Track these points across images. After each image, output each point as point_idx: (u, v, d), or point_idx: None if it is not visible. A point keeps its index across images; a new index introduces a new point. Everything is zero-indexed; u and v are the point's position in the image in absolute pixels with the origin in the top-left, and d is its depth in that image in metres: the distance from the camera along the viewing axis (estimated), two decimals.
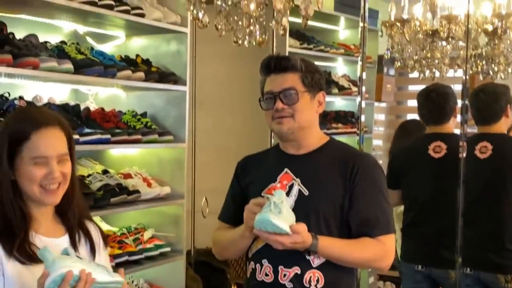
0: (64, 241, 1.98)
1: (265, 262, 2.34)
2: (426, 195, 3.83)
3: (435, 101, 3.88)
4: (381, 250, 2.31)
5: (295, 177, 2.35)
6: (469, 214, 3.64)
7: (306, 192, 2.32)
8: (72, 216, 2.02)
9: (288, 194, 2.31)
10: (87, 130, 3.33)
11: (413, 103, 7.74)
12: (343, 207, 2.31)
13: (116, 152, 4.00)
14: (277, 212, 2.11)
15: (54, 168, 1.89)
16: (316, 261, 2.28)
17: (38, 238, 1.91)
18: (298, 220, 2.18)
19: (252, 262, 2.40)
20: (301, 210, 2.25)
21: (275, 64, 2.36)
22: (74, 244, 2.00)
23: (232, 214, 2.50)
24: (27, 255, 1.85)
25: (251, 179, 2.47)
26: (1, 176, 1.87)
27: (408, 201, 3.96)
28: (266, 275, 2.33)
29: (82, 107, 3.59)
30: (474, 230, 3.67)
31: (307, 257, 2.27)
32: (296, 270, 2.28)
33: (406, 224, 3.97)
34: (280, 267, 2.30)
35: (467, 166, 3.62)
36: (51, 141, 1.90)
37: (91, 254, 2.05)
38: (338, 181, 2.32)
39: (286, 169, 2.38)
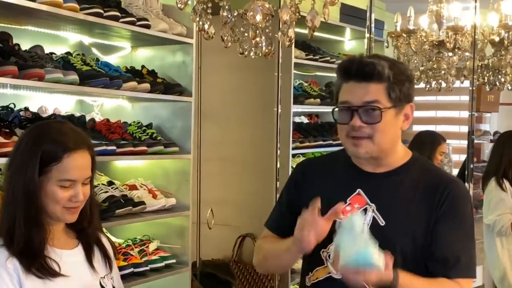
0: (78, 252, 1.99)
1: None
2: None
3: None
4: None
5: (369, 202, 2.00)
6: None
7: (382, 222, 1.98)
8: (92, 232, 2.04)
9: None
10: (92, 142, 3.30)
11: (418, 114, 7.74)
12: (425, 243, 1.98)
13: (122, 163, 3.99)
14: (366, 243, 1.78)
15: (79, 191, 1.91)
16: None
17: (52, 250, 1.90)
18: None
19: None
20: None
21: (357, 70, 1.96)
22: (89, 257, 2.00)
23: (285, 223, 2.12)
24: (45, 270, 1.85)
25: (313, 192, 2.05)
26: (32, 194, 1.86)
27: None
28: None
29: (87, 118, 3.58)
30: None
31: None
32: None
33: None
34: None
35: None
36: (80, 165, 1.91)
37: (107, 267, 2.06)
38: (422, 210, 1.99)
39: (359, 190, 2.02)
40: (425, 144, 4.71)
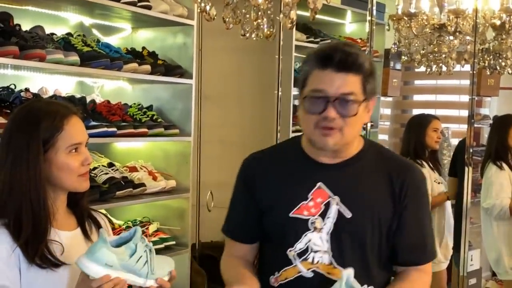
0: (77, 233, 1.97)
1: None
2: None
3: None
4: (427, 282, 2.03)
5: (332, 195, 1.93)
6: None
7: (348, 214, 1.92)
8: (85, 204, 2.03)
9: (324, 214, 1.93)
10: (93, 123, 3.32)
11: (418, 97, 7.73)
12: (390, 231, 1.96)
13: (122, 145, 3.99)
14: None
15: (87, 153, 1.91)
16: None
17: (53, 231, 1.89)
18: (338, 245, 1.89)
19: None
20: (342, 235, 1.90)
21: (340, 59, 1.83)
22: (86, 235, 1.99)
23: (247, 229, 2.08)
24: (48, 260, 1.82)
25: (268, 189, 2.01)
26: (38, 176, 1.83)
27: None
28: None
29: (88, 99, 3.58)
30: None
31: None
32: None
33: None
34: None
35: None
36: (80, 127, 1.92)
37: None
38: (386, 199, 1.96)
39: (319, 184, 1.94)
40: (414, 126, 4.76)
